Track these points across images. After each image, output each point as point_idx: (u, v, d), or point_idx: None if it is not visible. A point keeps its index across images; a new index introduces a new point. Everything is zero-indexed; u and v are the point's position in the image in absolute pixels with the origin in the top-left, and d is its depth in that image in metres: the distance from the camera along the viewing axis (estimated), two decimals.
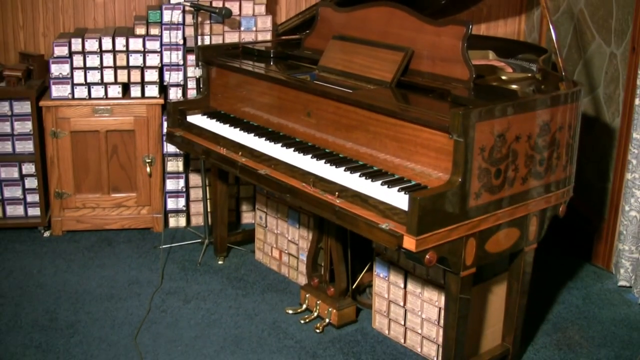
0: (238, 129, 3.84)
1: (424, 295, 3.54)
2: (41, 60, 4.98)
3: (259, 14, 4.86)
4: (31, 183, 4.77)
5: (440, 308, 3.46)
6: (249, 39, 4.83)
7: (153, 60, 4.70)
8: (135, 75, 4.70)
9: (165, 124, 4.56)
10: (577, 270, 4.54)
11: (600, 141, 4.61)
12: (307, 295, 3.95)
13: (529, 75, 3.58)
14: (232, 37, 4.84)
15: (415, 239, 2.73)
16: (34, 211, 4.82)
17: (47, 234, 4.85)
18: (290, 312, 3.97)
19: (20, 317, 3.87)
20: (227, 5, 4.72)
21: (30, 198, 4.79)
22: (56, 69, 4.61)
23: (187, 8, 4.66)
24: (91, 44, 4.61)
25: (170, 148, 4.76)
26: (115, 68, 4.67)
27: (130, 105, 4.71)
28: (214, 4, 4.72)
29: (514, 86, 3.37)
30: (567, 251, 4.77)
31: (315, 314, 3.88)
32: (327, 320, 3.82)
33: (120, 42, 4.65)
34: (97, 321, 3.86)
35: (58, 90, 4.62)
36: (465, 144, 2.79)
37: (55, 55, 4.61)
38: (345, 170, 3.19)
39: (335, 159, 3.32)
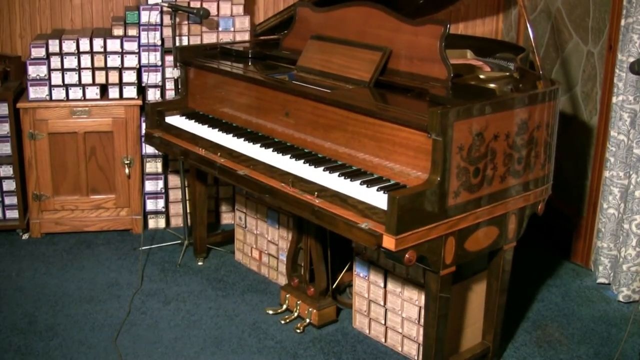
0: (216, 129, 3.83)
1: (404, 295, 3.55)
2: (18, 61, 4.95)
3: (236, 14, 4.85)
4: (9, 185, 4.73)
5: (420, 307, 3.47)
6: (227, 40, 4.82)
7: (131, 61, 4.68)
8: (113, 77, 4.68)
9: (143, 125, 4.54)
10: (556, 268, 4.57)
11: (578, 139, 4.64)
12: (287, 296, 3.94)
13: (507, 74, 3.59)
14: (210, 38, 4.83)
15: (395, 238, 2.73)
16: (12, 214, 4.79)
17: (25, 236, 4.82)
18: (271, 312, 3.96)
19: None
20: (205, 5, 4.71)
21: (8, 200, 4.76)
22: (33, 71, 4.58)
23: (164, 9, 4.65)
24: (69, 45, 4.58)
25: (148, 149, 4.74)
26: (93, 69, 4.65)
27: (108, 107, 4.69)
28: (192, 5, 4.71)
29: (492, 85, 3.38)
30: (546, 249, 4.80)
31: (296, 314, 3.88)
32: (307, 320, 3.82)
33: (98, 43, 4.63)
34: (76, 324, 3.84)
35: (35, 92, 4.60)
36: (444, 143, 2.80)
37: (32, 57, 4.58)
38: (324, 170, 3.19)
39: (314, 159, 3.32)
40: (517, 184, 3.16)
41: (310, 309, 3.81)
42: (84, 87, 4.66)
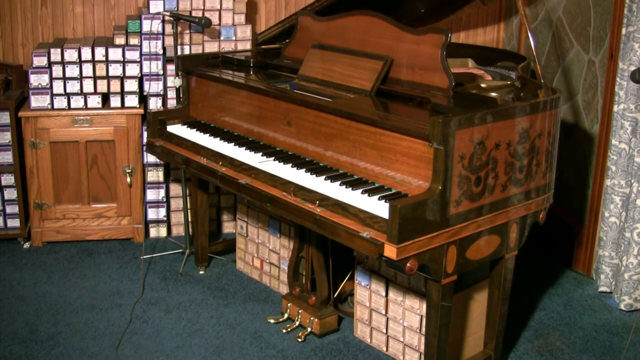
0: (218, 138, 3.83)
1: (406, 303, 3.54)
2: (20, 70, 4.96)
3: (238, 23, 4.86)
4: (10, 194, 4.74)
5: (421, 316, 3.47)
6: (229, 49, 4.83)
7: (133, 70, 4.69)
8: (115, 85, 4.69)
9: (145, 134, 4.55)
10: (558, 277, 4.56)
11: (579, 148, 4.64)
12: (288, 305, 3.94)
13: (508, 82, 3.59)
14: (211, 47, 4.83)
15: (396, 247, 2.73)
16: (14, 222, 4.79)
17: (26, 245, 4.82)
18: (272, 321, 3.96)
19: None
20: (207, 14, 4.72)
21: (9, 209, 4.76)
22: (35, 79, 4.59)
23: (166, 18, 4.66)
24: (70, 54, 4.59)
25: (150, 158, 4.75)
26: (95, 78, 4.66)
27: (110, 116, 4.70)
28: (194, 14, 4.72)
29: (493, 94, 3.39)
30: (547, 257, 4.79)
31: (297, 323, 3.87)
32: (308, 329, 3.82)
33: (99, 52, 4.63)
34: (77, 332, 3.84)
35: (37, 101, 4.60)
36: (445, 152, 2.80)
37: (34, 66, 4.59)
38: (325, 179, 3.19)
39: (315, 168, 3.32)
40: (519, 193, 3.16)
41: (311, 318, 3.81)
42: (85, 95, 4.66)
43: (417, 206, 2.76)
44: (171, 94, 4.78)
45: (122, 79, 4.69)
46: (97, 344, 3.74)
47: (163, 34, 4.71)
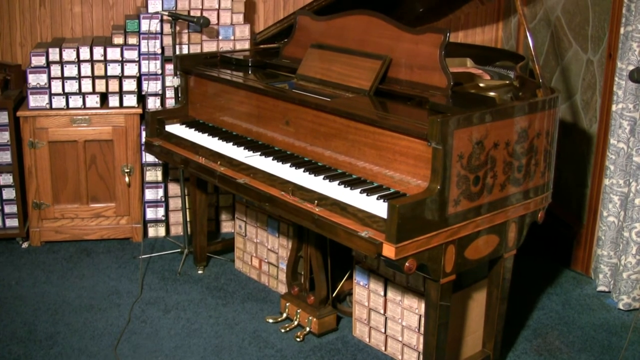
0: (216, 138, 3.83)
1: (404, 303, 3.54)
2: (18, 70, 4.95)
3: (237, 22, 4.86)
4: (9, 194, 4.73)
5: (420, 315, 3.47)
6: (227, 48, 4.83)
7: (131, 69, 4.69)
8: (114, 85, 4.69)
9: (143, 134, 4.54)
10: (557, 276, 4.56)
11: (578, 147, 4.64)
12: (287, 304, 3.94)
13: (507, 82, 3.59)
14: (210, 46, 4.83)
15: (395, 247, 2.73)
16: (12, 222, 4.78)
17: (25, 245, 4.81)
18: (271, 321, 3.96)
19: None
20: (205, 14, 4.72)
21: (8, 209, 4.75)
22: (34, 79, 4.59)
23: (165, 17, 4.66)
24: (69, 54, 4.59)
25: (149, 158, 4.74)
26: (93, 78, 4.65)
27: (108, 115, 4.69)
28: (192, 13, 4.72)
29: (491, 93, 3.38)
30: (546, 257, 4.79)
31: (296, 322, 3.87)
32: (307, 329, 3.82)
33: (98, 52, 4.63)
34: (76, 332, 3.84)
35: (36, 100, 4.60)
36: (444, 152, 2.80)
37: (32, 65, 4.58)
38: (324, 179, 3.19)
39: (314, 167, 3.32)
40: (517, 192, 3.16)
41: (310, 318, 3.81)
42: (84, 95, 4.66)
43: (416, 206, 2.76)
44: (170, 93, 4.78)
45: (120, 78, 4.69)
46: (95, 343, 3.74)
47: (161, 33, 4.71)
